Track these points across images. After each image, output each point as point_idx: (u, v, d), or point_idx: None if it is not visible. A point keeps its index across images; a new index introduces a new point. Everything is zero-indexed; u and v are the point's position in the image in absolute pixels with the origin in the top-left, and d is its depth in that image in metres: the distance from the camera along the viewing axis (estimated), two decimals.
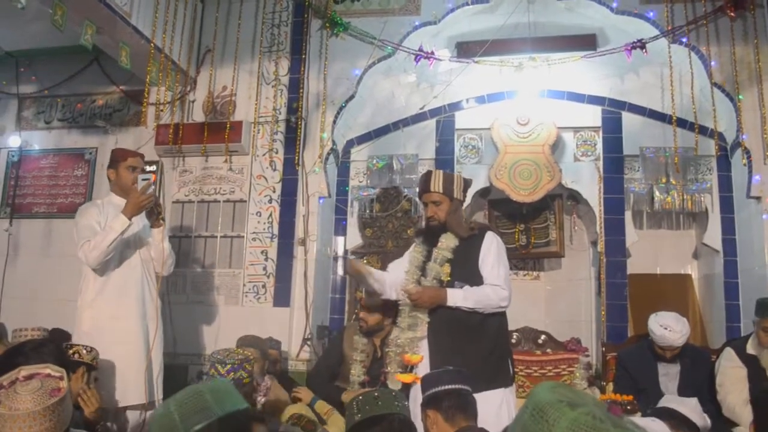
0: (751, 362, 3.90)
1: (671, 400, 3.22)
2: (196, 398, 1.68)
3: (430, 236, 3.52)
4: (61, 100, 6.22)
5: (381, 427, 2.21)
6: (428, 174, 3.52)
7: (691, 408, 3.08)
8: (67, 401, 2.03)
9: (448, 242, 3.42)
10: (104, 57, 5.68)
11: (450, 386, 2.65)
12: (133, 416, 3.81)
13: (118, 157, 4.06)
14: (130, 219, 3.72)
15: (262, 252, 5.45)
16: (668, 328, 4.10)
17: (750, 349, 3.96)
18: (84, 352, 3.36)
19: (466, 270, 3.38)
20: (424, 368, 3.29)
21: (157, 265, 4.00)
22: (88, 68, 6.07)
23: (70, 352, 3.33)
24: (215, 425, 1.65)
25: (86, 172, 5.98)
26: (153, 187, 3.85)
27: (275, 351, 4.74)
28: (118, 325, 3.77)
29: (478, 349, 3.30)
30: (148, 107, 5.62)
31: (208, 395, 1.68)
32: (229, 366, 3.13)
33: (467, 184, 3.56)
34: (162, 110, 5.73)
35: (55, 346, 3.02)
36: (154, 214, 3.93)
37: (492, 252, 3.41)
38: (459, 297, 3.31)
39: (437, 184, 3.42)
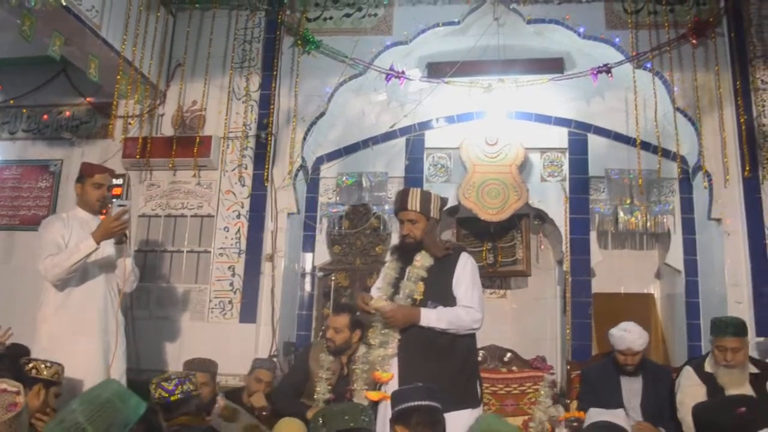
0: (709, 380, 3.97)
1: (601, 413, 3.25)
2: (106, 408, 1.63)
3: (405, 254, 3.52)
4: (27, 110, 6.12)
5: None
6: (405, 191, 3.52)
7: (620, 418, 3.13)
8: (23, 417, 2.00)
9: (423, 261, 3.42)
10: (72, 68, 5.62)
11: (419, 402, 2.64)
12: None
13: (85, 172, 4.02)
14: (98, 243, 3.66)
15: (229, 267, 5.41)
16: (626, 329, 4.24)
17: (708, 367, 4.03)
18: (43, 367, 3.27)
19: (439, 290, 3.38)
20: (393, 386, 3.27)
21: (120, 281, 3.95)
22: (55, 79, 5.99)
23: (29, 367, 3.24)
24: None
25: (51, 184, 5.88)
26: (128, 215, 3.76)
27: (269, 372, 4.57)
28: (77, 340, 3.70)
29: (447, 368, 3.30)
30: (116, 120, 5.58)
31: (116, 402, 1.66)
32: (175, 380, 3.08)
33: (443, 203, 3.57)
34: (130, 123, 5.69)
35: (10, 362, 2.96)
36: (124, 234, 3.86)
37: (467, 273, 3.42)
38: (432, 317, 3.30)
39: (414, 202, 3.42)
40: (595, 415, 3.22)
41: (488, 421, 1.19)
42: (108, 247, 3.89)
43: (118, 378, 3.85)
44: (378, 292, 3.52)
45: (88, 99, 5.94)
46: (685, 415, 3.97)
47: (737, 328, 3.94)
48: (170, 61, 5.85)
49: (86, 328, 3.76)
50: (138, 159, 5.53)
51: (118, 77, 5.18)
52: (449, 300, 3.37)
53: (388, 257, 3.70)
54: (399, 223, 3.56)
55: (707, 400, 3.69)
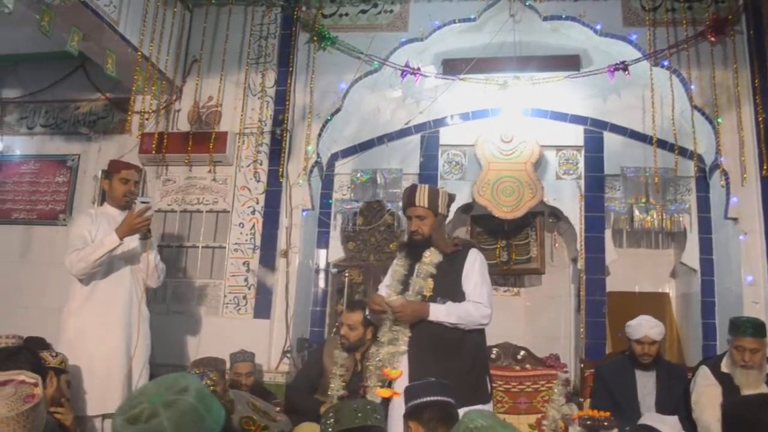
0: (725, 380, 3.94)
1: (652, 418, 3.24)
2: (192, 415, 1.49)
3: (414, 250, 3.53)
4: (45, 105, 6.17)
5: None
6: (413, 188, 3.52)
7: (670, 426, 3.11)
8: (41, 408, 2.01)
9: (432, 257, 3.43)
10: (90, 64, 5.66)
11: (432, 398, 2.66)
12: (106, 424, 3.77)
13: (112, 168, 4.13)
14: (121, 239, 3.75)
15: (243, 263, 5.43)
16: (644, 318, 4.33)
17: (724, 367, 4.01)
18: (50, 357, 3.33)
19: (448, 285, 3.39)
20: (403, 383, 3.28)
21: (145, 277, 4.01)
22: (73, 74, 6.05)
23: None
24: None
25: (68, 179, 5.93)
26: (152, 211, 3.84)
27: (247, 364, 4.67)
28: (101, 333, 3.77)
29: (457, 365, 3.30)
30: (133, 115, 5.61)
31: (201, 409, 1.52)
32: (196, 373, 3.11)
33: (451, 199, 3.58)
34: (147, 119, 5.71)
35: (31, 354, 3.00)
36: (148, 229, 3.95)
37: (476, 269, 3.42)
38: (442, 312, 3.32)
39: (422, 198, 3.42)
40: (648, 418, 3.19)
41: (470, 416, 1.19)
42: (133, 242, 3.96)
43: (140, 369, 3.91)
44: (387, 290, 3.53)
45: (105, 94, 5.99)
46: (700, 414, 3.96)
47: (756, 328, 3.92)
48: (186, 56, 5.88)
49: (111, 321, 3.83)
50: (154, 154, 5.56)
51: (135, 73, 5.22)
52: (458, 296, 3.38)
53: (397, 254, 3.71)
54: (407, 219, 3.57)
55: (741, 396, 3.67)
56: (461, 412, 2.95)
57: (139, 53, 5.17)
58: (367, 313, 4.11)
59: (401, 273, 3.53)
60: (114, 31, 4.92)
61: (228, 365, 4.67)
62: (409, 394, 2.78)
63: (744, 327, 3.93)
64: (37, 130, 6.17)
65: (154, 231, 4.39)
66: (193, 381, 1.54)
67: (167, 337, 5.19)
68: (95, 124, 6.02)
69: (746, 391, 3.81)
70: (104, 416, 3.75)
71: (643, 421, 3.16)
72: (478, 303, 3.35)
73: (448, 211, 3.58)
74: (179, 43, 5.79)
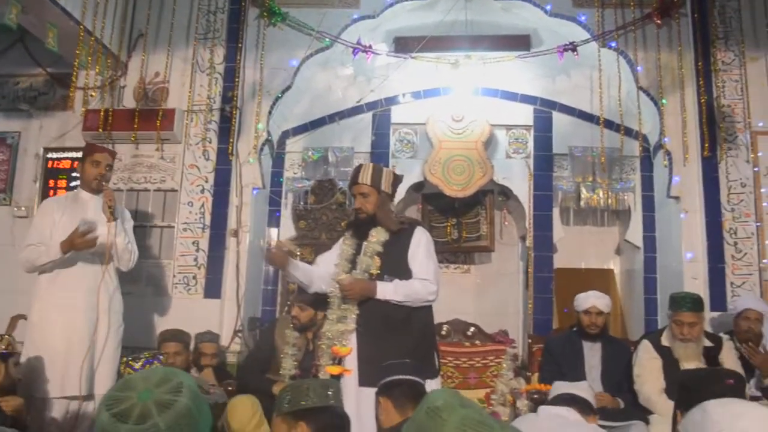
0: (665, 354, 4.10)
1: (563, 386, 3.35)
2: (186, 418, 1.43)
3: (360, 229, 3.57)
4: None
5: (330, 416, 2.22)
6: (359, 167, 3.57)
7: (585, 390, 3.24)
8: None
9: (378, 236, 3.47)
10: (29, 37, 5.44)
11: (403, 377, 2.79)
12: (72, 407, 3.78)
13: (85, 151, 4.12)
14: (64, 253, 3.77)
15: (193, 242, 5.36)
16: (593, 292, 4.52)
17: (664, 341, 4.16)
18: None
19: (395, 263, 3.44)
20: (352, 360, 3.35)
21: (115, 260, 3.99)
22: (11, 49, 5.80)
23: None
24: None
25: (7, 157, 5.71)
26: (94, 234, 3.78)
27: (212, 345, 4.67)
28: (63, 317, 3.78)
29: (405, 342, 3.35)
30: (76, 91, 5.42)
31: (194, 411, 1.45)
32: (143, 359, 3.10)
33: (397, 178, 3.61)
34: (91, 95, 5.54)
35: None
36: (109, 211, 3.89)
37: (422, 247, 3.47)
38: (389, 290, 3.37)
39: (366, 176, 3.47)
40: (560, 387, 3.31)
41: (433, 396, 1.21)
42: (101, 227, 3.89)
43: (109, 353, 3.88)
44: (335, 269, 3.55)
45: (46, 69, 5.76)
46: (641, 386, 4.11)
47: (694, 303, 4.08)
48: (132, 31, 5.70)
49: (73, 304, 3.81)
50: (99, 132, 5.39)
51: (78, 47, 5.03)
52: (405, 273, 3.42)
53: (344, 234, 3.73)
54: (353, 198, 3.61)
55: (696, 368, 3.81)
56: None
57: (82, 27, 4.99)
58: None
59: (349, 252, 3.56)
60: (55, 4, 4.71)
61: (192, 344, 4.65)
62: (383, 372, 2.89)
63: (683, 302, 4.09)
64: None
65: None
66: (186, 378, 1.50)
67: None
68: (36, 100, 5.80)
69: (685, 364, 3.97)
70: (71, 398, 3.76)
71: (558, 390, 3.27)
72: (425, 280, 3.41)
73: (394, 190, 3.60)
74: (124, 16, 5.61)
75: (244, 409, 3.49)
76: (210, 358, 4.60)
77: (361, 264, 3.45)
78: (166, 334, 4.47)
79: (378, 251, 3.45)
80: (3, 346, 3.30)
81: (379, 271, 3.43)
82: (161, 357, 3.29)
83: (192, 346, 4.65)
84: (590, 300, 4.46)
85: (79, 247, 3.76)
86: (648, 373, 4.13)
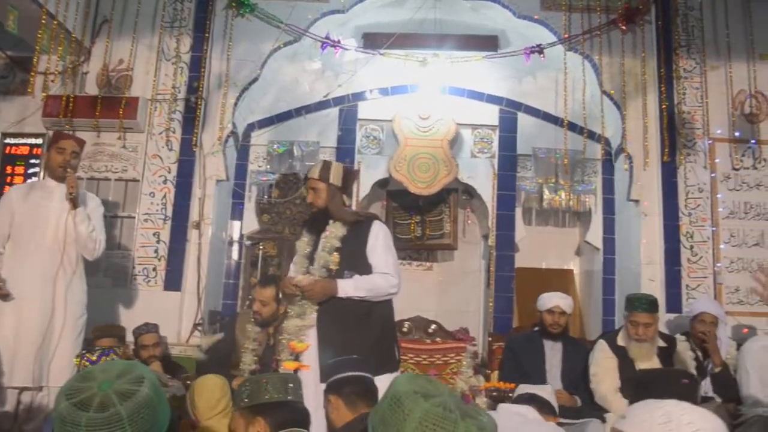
0: (620, 353, 4.18)
1: (528, 387, 3.42)
2: (148, 407, 1.43)
3: (315, 224, 3.57)
4: None
5: (289, 411, 2.20)
6: (312, 165, 3.61)
7: (548, 393, 3.31)
8: None
9: (335, 230, 3.46)
10: None
11: (352, 373, 2.76)
12: (24, 398, 3.73)
13: (52, 139, 4.09)
14: None
15: (154, 234, 5.29)
16: (557, 293, 4.60)
17: (620, 341, 4.25)
18: None
19: (354, 258, 3.43)
20: (310, 356, 3.33)
21: (79, 249, 3.92)
22: None
23: None
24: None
25: None
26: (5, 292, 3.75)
27: (152, 335, 4.52)
28: (17, 306, 3.72)
29: (366, 337, 3.36)
30: (37, 76, 5.27)
31: (155, 400, 1.46)
32: (99, 352, 3.07)
33: (349, 171, 3.61)
34: (52, 80, 5.40)
35: None
36: (70, 198, 3.83)
37: (380, 240, 3.47)
38: (350, 287, 3.36)
39: (314, 171, 3.50)
40: (523, 389, 3.37)
41: (398, 381, 1.20)
42: (59, 214, 3.85)
43: (68, 347, 3.79)
44: (293, 266, 3.55)
45: (5, 52, 5.61)
46: (597, 385, 4.20)
47: (650, 304, 4.17)
48: (96, 16, 5.59)
49: (26, 294, 3.74)
50: (60, 118, 5.28)
51: (40, 31, 4.90)
52: (365, 268, 3.42)
53: (302, 232, 3.72)
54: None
55: (652, 368, 3.91)
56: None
57: (44, 10, 4.87)
58: (280, 295, 4.11)
59: (306, 249, 3.56)
60: None
61: (133, 339, 4.54)
62: (331, 369, 2.87)
63: (638, 303, 4.18)
64: None
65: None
66: (146, 371, 1.50)
67: None
68: None
69: (639, 363, 4.06)
70: (21, 389, 3.71)
71: (521, 391, 3.34)
72: (386, 274, 3.40)
73: (345, 183, 3.56)
74: (88, 1, 5.49)
75: (214, 387, 3.24)
76: (151, 349, 4.43)
77: (320, 260, 3.43)
78: (99, 330, 4.37)
79: (336, 246, 3.43)
80: None
81: (338, 267, 3.41)
82: (116, 349, 3.24)
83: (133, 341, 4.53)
84: (554, 300, 4.54)
85: None
86: (604, 372, 4.21)
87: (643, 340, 4.10)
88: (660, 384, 2.33)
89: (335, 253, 3.43)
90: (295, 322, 3.39)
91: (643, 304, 4.16)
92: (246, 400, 2.24)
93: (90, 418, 1.35)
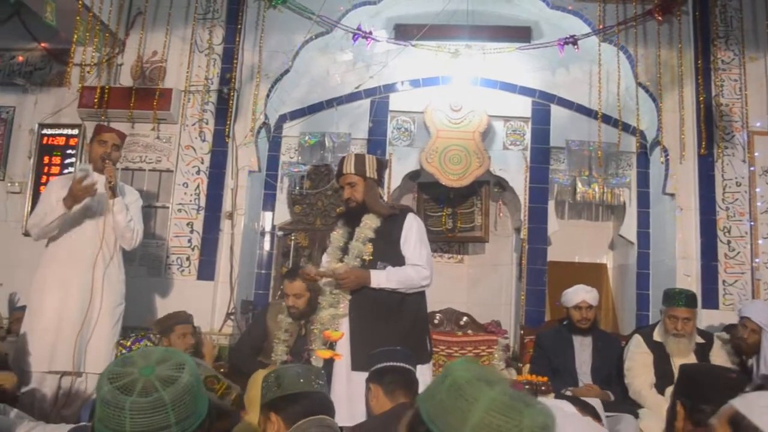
0: (656, 349, 4.13)
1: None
2: (189, 393, 1.44)
3: (351, 218, 3.57)
4: None
5: (301, 406, 2.20)
6: (342, 158, 3.59)
7: (593, 402, 3.27)
8: None
9: (370, 222, 3.47)
10: (26, 11, 5.34)
11: (394, 363, 2.78)
12: (64, 383, 3.78)
13: (94, 131, 4.16)
14: (69, 207, 3.79)
15: (187, 224, 5.34)
16: (578, 286, 4.52)
17: (656, 336, 4.19)
18: None
19: (387, 250, 3.44)
20: (344, 345, 3.35)
21: (118, 238, 4.00)
22: (8, 22, 5.70)
23: None
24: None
25: (2, 131, 5.64)
26: (91, 179, 3.79)
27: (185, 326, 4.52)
28: (58, 292, 3.80)
29: (398, 327, 3.36)
30: (73, 68, 5.36)
31: (195, 388, 1.47)
32: (133, 338, 3.10)
33: (381, 163, 3.60)
34: (88, 72, 5.48)
35: None
36: (109, 187, 3.90)
37: (413, 232, 3.47)
38: (383, 278, 3.37)
39: (349, 165, 3.49)
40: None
41: (457, 369, 1.15)
42: (100, 204, 3.93)
43: (105, 335, 3.84)
44: (327, 256, 3.58)
45: (42, 44, 5.70)
46: (632, 380, 4.15)
47: (689, 299, 4.11)
48: (131, 8, 5.65)
49: (68, 281, 3.82)
50: (95, 109, 5.35)
51: (76, 23, 4.97)
52: (398, 259, 3.43)
53: (336, 224, 3.74)
54: (341, 190, 3.62)
55: (696, 363, 3.85)
56: None
57: (80, 2, 4.92)
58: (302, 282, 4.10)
59: (340, 240, 3.57)
60: None
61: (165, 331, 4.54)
62: (374, 358, 2.88)
63: (678, 297, 4.12)
64: None
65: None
66: (186, 358, 1.50)
67: None
68: (32, 75, 5.73)
69: (677, 359, 3.99)
70: (62, 374, 3.76)
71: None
72: (418, 266, 3.41)
73: (379, 175, 3.58)
74: None
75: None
76: (190, 339, 4.37)
77: (353, 250, 3.45)
78: (169, 320, 4.24)
79: (370, 237, 3.45)
80: None
81: (371, 257, 3.43)
82: (151, 335, 3.27)
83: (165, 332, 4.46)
84: (580, 295, 4.48)
85: (79, 195, 3.75)
86: (639, 367, 4.16)
87: (682, 335, 4.04)
88: (708, 378, 2.29)
89: (369, 244, 3.45)
90: (329, 312, 3.42)
91: (683, 298, 4.10)
92: (261, 399, 2.26)
93: (134, 402, 1.36)
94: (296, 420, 2.11)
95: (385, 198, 5.87)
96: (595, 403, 3.33)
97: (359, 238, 3.46)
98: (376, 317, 3.37)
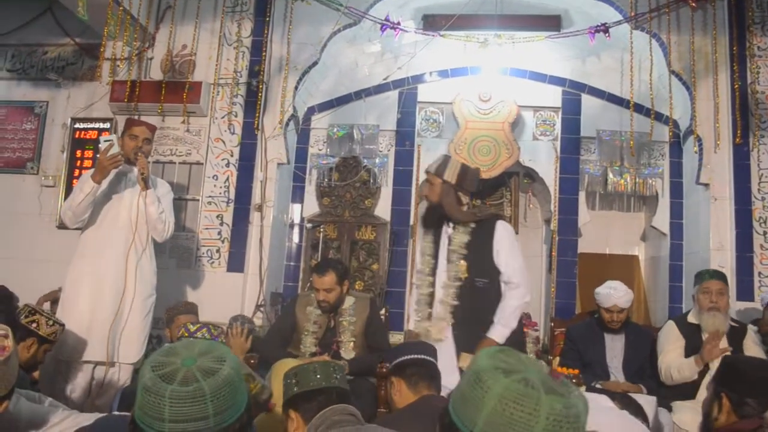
0: (690, 333, 4.05)
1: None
2: (229, 386, 1.44)
3: (432, 221, 3.61)
4: (11, 49, 5.93)
5: (318, 402, 2.21)
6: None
7: (647, 401, 3.21)
8: (12, 360, 1.93)
9: (459, 238, 3.48)
10: (58, 6, 5.46)
11: (415, 356, 2.76)
12: (98, 373, 3.84)
13: (126, 125, 4.19)
14: (98, 182, 3.81)
15: (217, 216, 5.38)
16: (613, 287, 4.34)
17: (691, 318, 4.11)
18: (44, 323, 3.35)
19: (482, 264, 3.45)
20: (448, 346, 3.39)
21: (150, 230, 4.04)
22: (40, 17, 5.82)
23: (29, 319, 3.30)
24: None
25: (36, 126, 5.75)
26: (117, 148, 3.83)
27: (189, 316, 4.35)
28: (92, 282, 3.84)
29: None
30: (104, 62, 5.43)
31: (236, 381, 1.47)
32: (199, 325, 3.10)
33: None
34: (119, 66, 5.55)
35: (5, 307, 2.96)
36: (141, 179, 3.94)
37: (504, 244, 3.46)
38: (501, 332, 3.37)
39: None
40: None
41: (483, 357, 1.15)
42: (132, 196, 3.98)
43: (137, 326, 3.90)
44: (420, 266, 3.63)
45: (74, 39, 5.78)
46: (663, 357, 4.08)
47: (719, 273, 4.15)
48: (160, 2, 5.69)
49: (100, 272, 3.87)
50: (126, 103, 5.42)
51: (107, 17, 5.03)
52: (493, 273, 3.44)
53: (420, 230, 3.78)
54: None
55: (739, 354, 3.78)
56: None
57: None
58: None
59: (430, 247, 3.61)
60: None
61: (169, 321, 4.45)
62: (395, 351, 2.88)
63: (707, 272, 4.16)
64: (3, 75, 5.94)
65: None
66: (227, 351, 1.51)
67: None
68: (64, 70, 5.82)
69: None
70: (95, 363, 3.82)
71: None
72: (516, 288, 3.41)
73: (462, 181, 3.50)
74: None
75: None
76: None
77: (450, 272, 3.47)
78: (173, 309, 4.39)
79: (462, 254, 3.45)
80: (46, 333, 3.33)
81: (467, 275, 3.43)
82: (210, 327, 3.28)
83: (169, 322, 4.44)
84: (612, 299, 4.31)
85: (106, 166, 3.78)
86: (671, 349, 4.09)
87: (717, 308, 3.96)
88: (758, 371, 2.24)
89: (462, 261, 3.45)
90: (435, 322, 3.48)
91: (712, 272, 4.15)
92: (283, 397, 2.27)
93: (174, 390, 1.37)
94: (313, 416, 2.12)
95: (413, 190, 5.86)
96: (647, 401, 3.25)
97: (452, 258, 3.47)
98: (478, 318, 3.41)
